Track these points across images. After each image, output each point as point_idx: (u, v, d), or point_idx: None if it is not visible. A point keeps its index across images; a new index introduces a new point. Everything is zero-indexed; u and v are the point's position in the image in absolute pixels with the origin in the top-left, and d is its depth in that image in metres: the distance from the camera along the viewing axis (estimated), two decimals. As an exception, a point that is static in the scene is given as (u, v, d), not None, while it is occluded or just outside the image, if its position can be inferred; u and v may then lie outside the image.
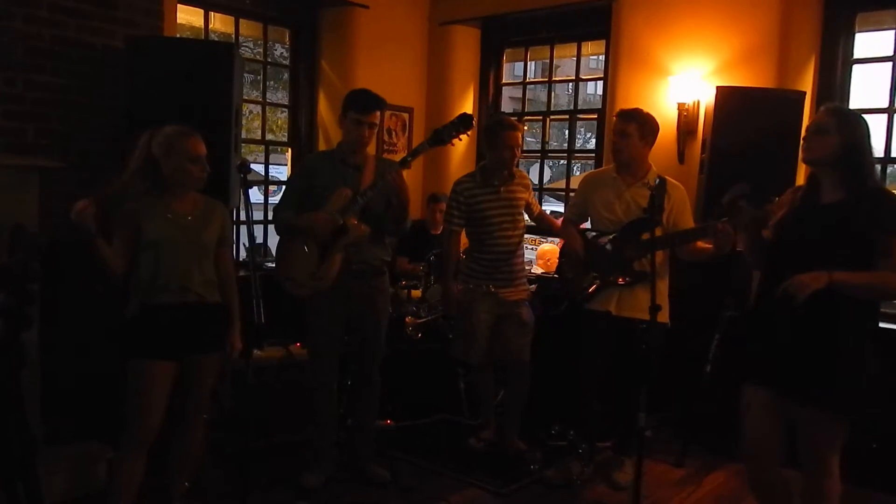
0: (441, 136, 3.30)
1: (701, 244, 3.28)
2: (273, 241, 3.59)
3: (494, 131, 3.66)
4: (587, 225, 3.70)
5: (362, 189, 3.24)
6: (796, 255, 2.34)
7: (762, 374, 2.47)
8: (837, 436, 2.39)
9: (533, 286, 3.84)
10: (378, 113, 3.32)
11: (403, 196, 3.29)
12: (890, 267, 2.25)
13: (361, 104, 3.28)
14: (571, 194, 4.66)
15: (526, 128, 5.65)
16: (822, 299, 2.25)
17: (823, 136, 2.36)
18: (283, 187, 3.76)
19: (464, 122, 3.31)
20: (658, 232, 3.14)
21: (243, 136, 3.82)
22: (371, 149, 3.48)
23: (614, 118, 3.53)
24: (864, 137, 2.36)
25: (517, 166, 3.79)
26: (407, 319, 4.32)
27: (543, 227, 4.02)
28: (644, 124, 3.41)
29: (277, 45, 6.09)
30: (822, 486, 2.41)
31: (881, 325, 3.80)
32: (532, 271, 4.89)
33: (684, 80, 4.31)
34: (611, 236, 3.46)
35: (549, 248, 5.14)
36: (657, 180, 3.38)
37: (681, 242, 3.32)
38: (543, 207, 4.36)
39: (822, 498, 2.41)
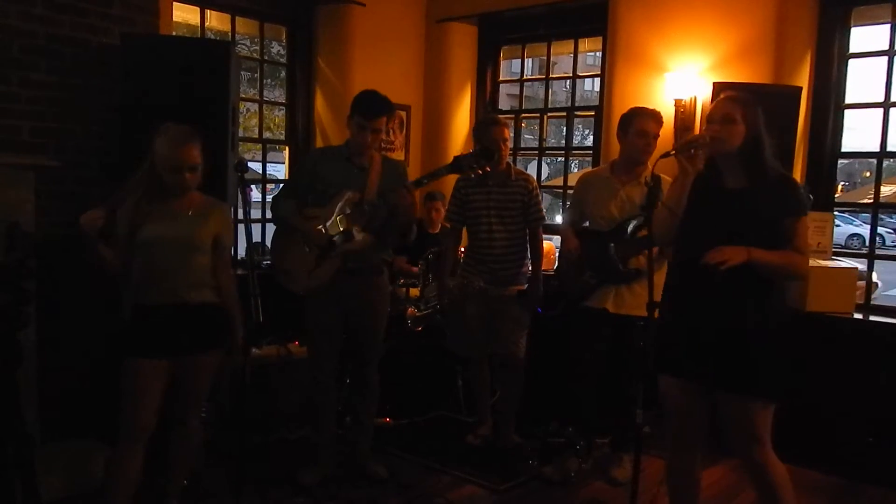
0: (460, 164, 3.28)
1: None
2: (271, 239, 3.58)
3: (479, 129, 3.81)
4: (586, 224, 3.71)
5: (367, 195, 3.21)
6: (707, 241, 2.31)
7: (681, 366, 2.45)
8: (765, 420, 2.39)
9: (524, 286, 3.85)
10: (383, 119, 3.26)
11: (411, 213, 3.28)
12: (794, 249, 2.32)
13: (366, 108, 3.23)
14: (570, 191, 4.67)
15: (524, 125, 5.65)
16: (736, 282, 2.26)
17: (732, 126, 2.35)
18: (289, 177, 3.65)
19: (485, 156, 3.30)
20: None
21: (240, 134, 3.81)
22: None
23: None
24: (762, 123, 2.38)
25: (514, 163, 3.80)
26: (409, 311, 4.32)
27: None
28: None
29: (274, 43, 6.07)
30: (767, 475, 2.39)
31: (885, 320, 3.84)
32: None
33: (681, 77, 4.32)
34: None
35: (549, 246, 5.13)
36: (653, 177, 3.38)
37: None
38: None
39: (771, 485, 2.39)
